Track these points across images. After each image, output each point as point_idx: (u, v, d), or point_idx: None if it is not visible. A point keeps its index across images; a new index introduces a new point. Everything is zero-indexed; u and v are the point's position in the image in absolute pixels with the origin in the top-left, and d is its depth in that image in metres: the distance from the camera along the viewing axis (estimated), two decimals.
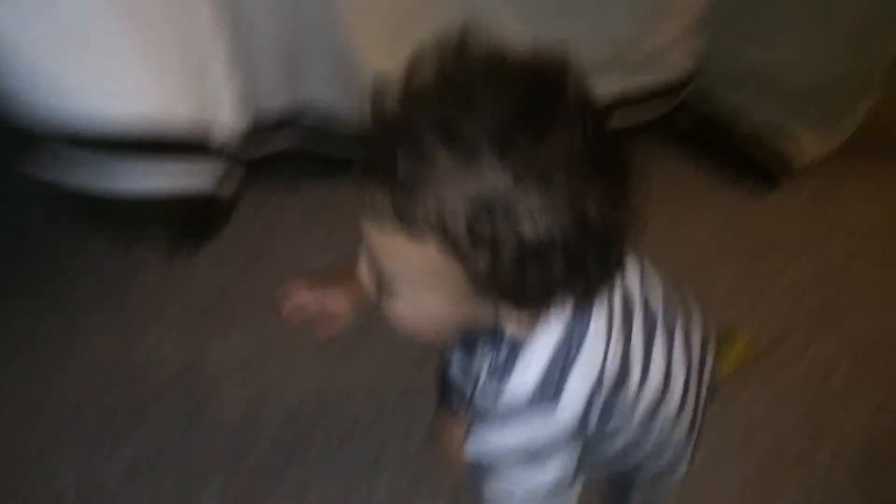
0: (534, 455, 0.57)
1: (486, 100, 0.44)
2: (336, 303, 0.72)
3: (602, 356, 0.56)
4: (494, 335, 0.55)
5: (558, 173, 0.44)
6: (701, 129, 1.43)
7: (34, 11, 0.71)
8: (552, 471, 0.57)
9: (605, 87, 1.05)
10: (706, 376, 0.71)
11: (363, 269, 0.53)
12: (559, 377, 0.55)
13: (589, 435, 0.58)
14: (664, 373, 0.62)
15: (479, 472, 0.60)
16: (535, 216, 0.44)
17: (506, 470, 0.58)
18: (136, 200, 0.88)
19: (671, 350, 0.63)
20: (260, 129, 1.13)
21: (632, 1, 1.18)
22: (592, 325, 0.56)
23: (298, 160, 1.23)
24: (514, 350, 0.55)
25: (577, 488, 0.62)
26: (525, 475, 0.58)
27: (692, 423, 0.68)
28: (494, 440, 0.57)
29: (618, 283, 0.60)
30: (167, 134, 0.85)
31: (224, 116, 0.97)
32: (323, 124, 1.17)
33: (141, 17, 0.79)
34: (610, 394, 0.57)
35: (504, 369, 0.55)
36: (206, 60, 0.91)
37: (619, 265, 0.54)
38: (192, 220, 0.97)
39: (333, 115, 1.15)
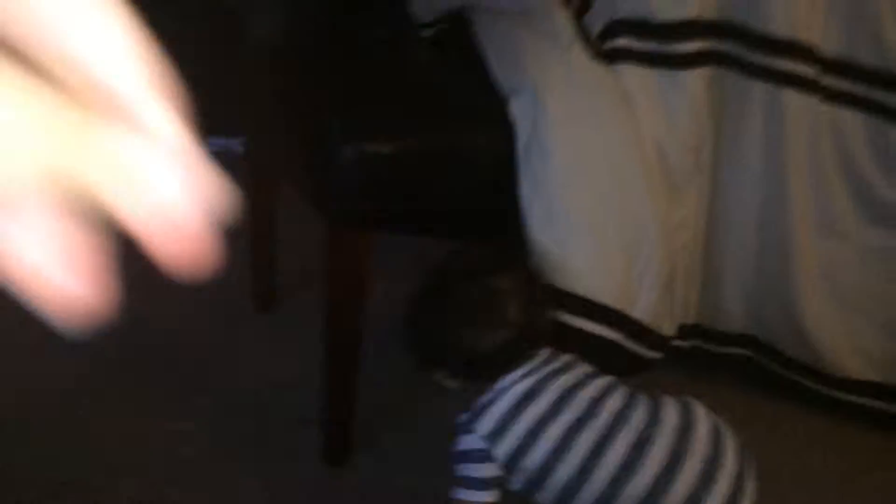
0: (466, 455, 0.94)
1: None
2: None
3: (501, 423, 0.91)
4: None
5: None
6: None
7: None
8: (477, 469, 0.93)
9: None
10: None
11: None
12: (475, 418, 0.93)
13: (503, 466, 0.91)
14: (582, 462, 0.87)
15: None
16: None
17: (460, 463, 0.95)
18: None
19: (602, 447, 0.87)
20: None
21: None
22: (504, 400, 0.92)
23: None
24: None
25: (495, 496, 0.94)
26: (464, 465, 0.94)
27: None
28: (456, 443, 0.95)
29: (558, 384, 0.92)
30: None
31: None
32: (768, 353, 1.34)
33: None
34: (515, 452, 0.90)
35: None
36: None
37: (492, 373, 0.93)
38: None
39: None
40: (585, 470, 0.88)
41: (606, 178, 1.11)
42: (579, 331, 1.09)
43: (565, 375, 0.94)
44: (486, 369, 0.94)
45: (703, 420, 0.91)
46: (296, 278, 1.73)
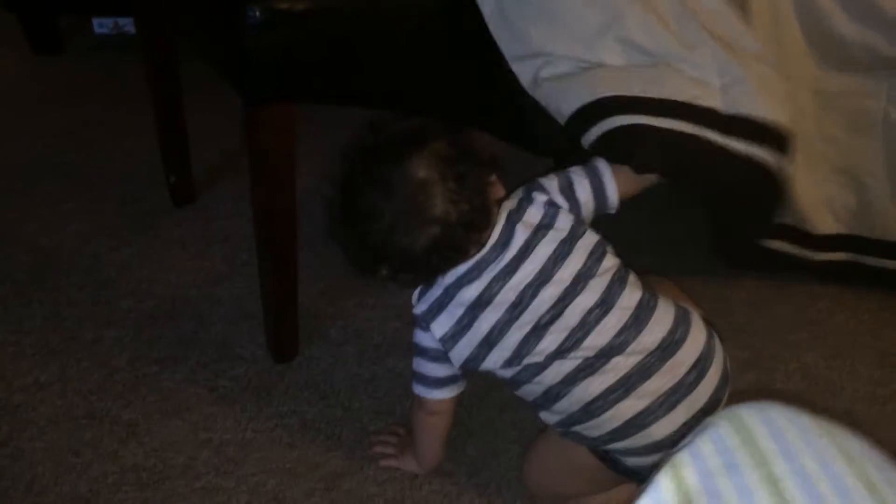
0: (422, 351, 0.88)
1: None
2: (407, 462, 1.00)
3: (456, 322, 0.83)
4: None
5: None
6: None
7: None
8: (432, 368, 0.88)
9: None
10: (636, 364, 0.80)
11: None
12: (429, 319, 0.85)
13: (457, 360, 0.85)
14: (516, 347, 0.82)
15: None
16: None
17: (417, 356, 0.90)
18: None
19: (566, 349, 0.81)
20: None
21: None
22: (455, 307, 0.83)
23: None
24: (420, 293, 0.87)
25: (455, 391, 0.90)
26: (421, 361, 0.89)
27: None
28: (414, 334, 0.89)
29: (487, 280, 0.82)
30: None
31: None
32: None
33: None
34: (473, 347, 0.84)
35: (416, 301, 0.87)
36: None
37: (432, 273, 0.82)
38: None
39: None
40: (546, 364, 0.83)
41: None
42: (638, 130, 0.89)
43: (519, 273, 0.81)
44: (424, 269, 0.83)
45: (698, 330, 0.84)
46: (217, 166, 1.59)
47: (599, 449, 0.86)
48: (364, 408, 1.11)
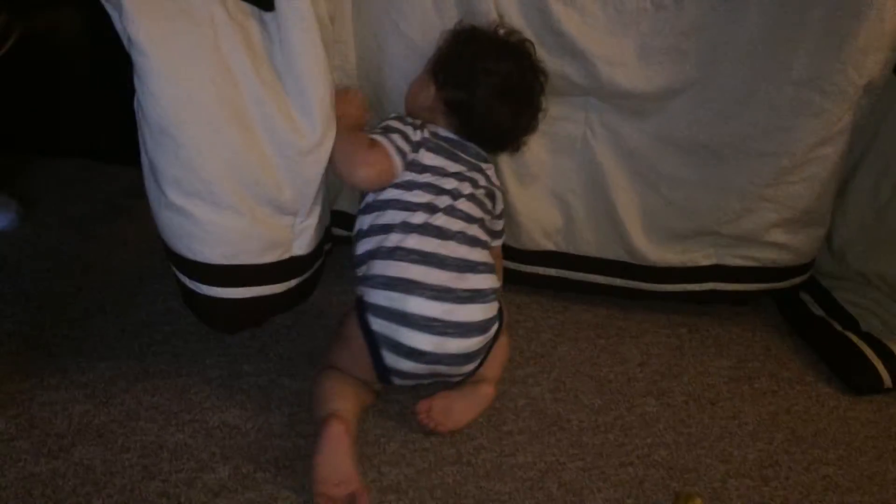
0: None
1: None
2: None
3: (407, 137, 1.08)
4: None
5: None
6: (809, 317, 1.41)
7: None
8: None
9: (701, 251, 1.33)
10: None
11: None
12: (404, 121, 1.11)
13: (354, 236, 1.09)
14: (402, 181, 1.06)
15: None
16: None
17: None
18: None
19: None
20: None
21: (732, 182, 1.24)
22: (417, 133, 1.09)
23: None
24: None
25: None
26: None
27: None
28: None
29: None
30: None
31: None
32: None
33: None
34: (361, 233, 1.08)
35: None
36: None
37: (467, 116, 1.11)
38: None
39: None
40: (401, 205, 1.05)
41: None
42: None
43: (459, 164, 1.09)
44: (474, 113, 1.09)
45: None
46: None
47: (370, 329, 1.01)
48: None
